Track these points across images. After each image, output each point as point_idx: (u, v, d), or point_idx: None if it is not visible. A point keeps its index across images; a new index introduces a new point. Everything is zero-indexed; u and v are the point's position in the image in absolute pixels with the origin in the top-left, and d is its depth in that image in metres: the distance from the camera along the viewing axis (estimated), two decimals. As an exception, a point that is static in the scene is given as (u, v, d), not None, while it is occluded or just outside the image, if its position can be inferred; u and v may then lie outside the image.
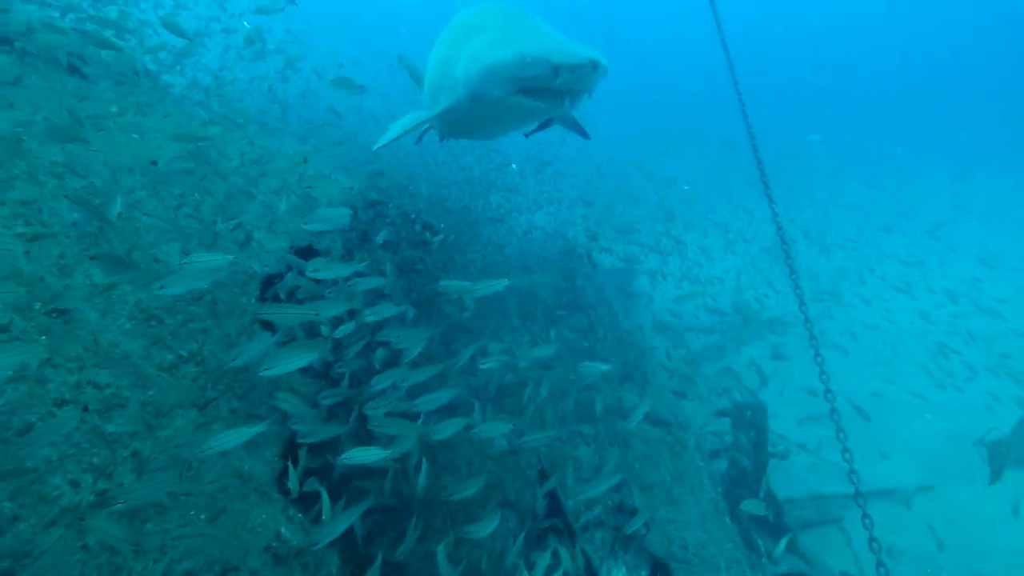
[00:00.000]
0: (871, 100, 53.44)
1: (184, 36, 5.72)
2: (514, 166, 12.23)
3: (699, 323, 9.70)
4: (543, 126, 5.25)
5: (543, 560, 3.96)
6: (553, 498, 4.98)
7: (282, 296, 4.14)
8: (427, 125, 5.30)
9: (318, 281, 4.09)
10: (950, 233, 17.80)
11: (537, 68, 3.78)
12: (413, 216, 6.79)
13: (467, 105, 4.36)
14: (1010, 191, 26.31)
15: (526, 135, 5.49)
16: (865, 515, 3.54)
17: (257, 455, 3.45)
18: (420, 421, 3.86)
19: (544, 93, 3.91)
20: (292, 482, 3.33)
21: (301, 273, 3.97)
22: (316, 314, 3.13)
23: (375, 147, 4.89)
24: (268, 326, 4.03)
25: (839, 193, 22.47)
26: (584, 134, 5.76)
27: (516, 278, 8.14)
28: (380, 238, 5.21)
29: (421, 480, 3.55)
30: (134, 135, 4.35)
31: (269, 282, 4.45)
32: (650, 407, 6.20)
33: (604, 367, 4.67)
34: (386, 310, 3.88)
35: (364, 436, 3.86)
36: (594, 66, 3.73)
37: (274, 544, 3.05)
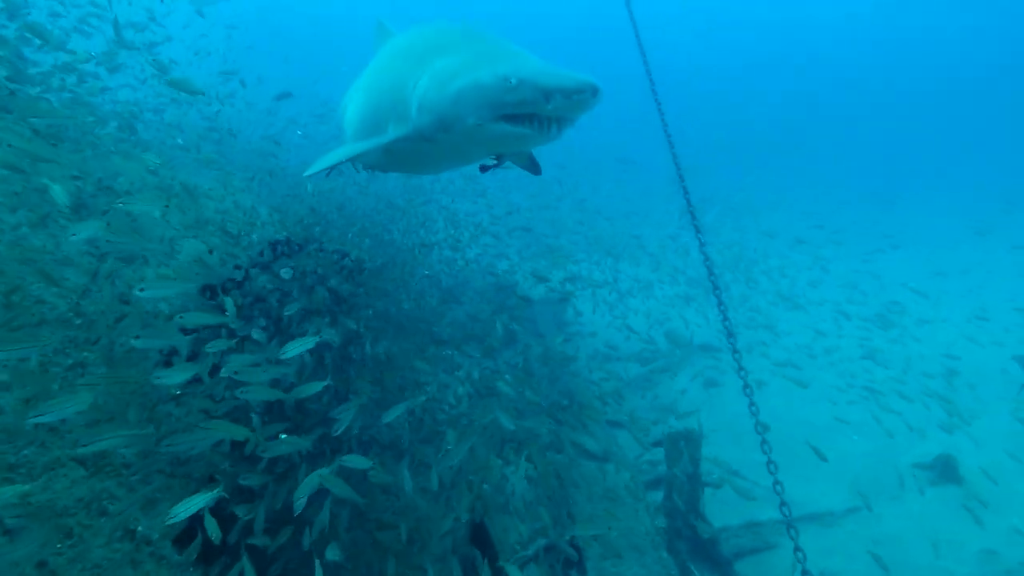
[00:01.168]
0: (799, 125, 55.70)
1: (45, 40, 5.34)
2: (445, 197, 12.15)
3: (633, 352, 9.75)
4: (493, 164, 4.65)
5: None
6: (485, 537, 4.80)
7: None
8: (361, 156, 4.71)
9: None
10: (877, 261, 18.53)
11: (524, 92, 3.38)
12: (343, 249, 6.59)
13: (427, 134, 3.88)
14: (935, 219, 27.90)
15: (482, 170, 4.82)
16: (797, 548, 3.50)
17: (154, 512, 3.16)
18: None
19: (528, 120, 3.51)
20: (211, 529, 3.05)
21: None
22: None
23: (306, 173, 4.47)
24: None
25: (769, 222, 23.24)
26: (536, 169, 5.29)
27: (451, 311, 7.99)
28: (286, 272, 4.99)
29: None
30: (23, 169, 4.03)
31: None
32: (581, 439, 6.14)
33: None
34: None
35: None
36: (594, 91, 3.37)
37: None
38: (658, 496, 6.82)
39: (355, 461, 3.57)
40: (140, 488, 3.12)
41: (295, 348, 3.54)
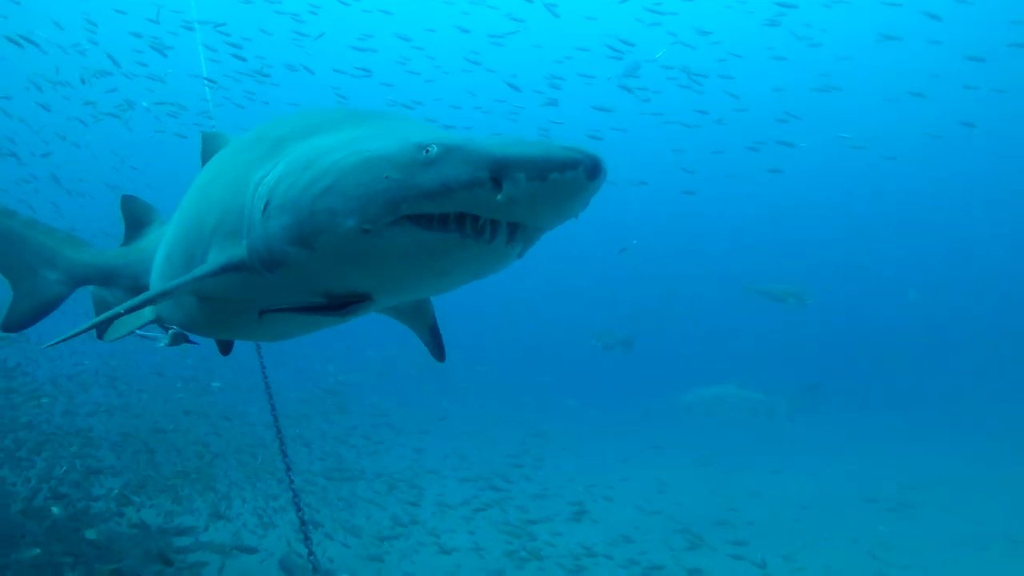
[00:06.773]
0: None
1: None
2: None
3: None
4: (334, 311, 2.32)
5: None
6: None
7: None
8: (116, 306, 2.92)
9: None
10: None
11: (453, 169, 1.85)
12: None
13: (271, 254, 2.20)
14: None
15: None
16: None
17: None
18: None
19: (457, 222, 1.91)
20: None
21: None
22: None
23: (48, 344, 2.74)
24: None
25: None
26: (440, 350, 3.43)
27: None
28: None
29: None
30: None
31: None
32: None
33: None
34: None
35: None
36: (592, 169, 1.81)
37: None
38: None
39: None
40: None
41: None
